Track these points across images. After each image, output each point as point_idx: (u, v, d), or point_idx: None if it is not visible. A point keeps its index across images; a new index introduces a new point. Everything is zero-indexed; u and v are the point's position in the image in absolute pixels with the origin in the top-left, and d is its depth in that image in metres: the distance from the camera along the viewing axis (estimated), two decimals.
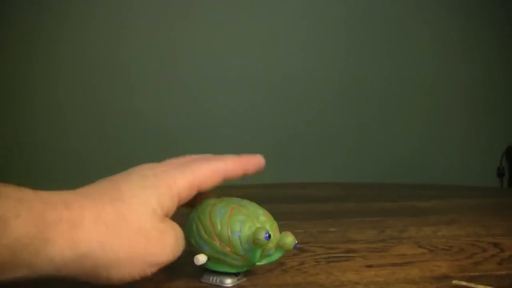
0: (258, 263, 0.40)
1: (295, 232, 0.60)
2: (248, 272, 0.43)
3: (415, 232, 0.59)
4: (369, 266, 0.47)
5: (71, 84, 1.93)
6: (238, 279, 0.42)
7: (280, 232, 0.41)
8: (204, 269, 0.42)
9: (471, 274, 0.45)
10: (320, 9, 2.07)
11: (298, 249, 0.52)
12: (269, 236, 0.37)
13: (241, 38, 2.03)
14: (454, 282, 0.42)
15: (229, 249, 0.40)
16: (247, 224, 0.39)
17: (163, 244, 0.36)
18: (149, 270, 0.36)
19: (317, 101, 2.08)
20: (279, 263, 0.47)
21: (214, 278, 0.42)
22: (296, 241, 0.40)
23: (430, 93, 2.16)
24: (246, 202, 0.43)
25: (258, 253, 0.39)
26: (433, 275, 0.44)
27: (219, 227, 0.40)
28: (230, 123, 2.02)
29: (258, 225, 0.40)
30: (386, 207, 0.75)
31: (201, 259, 0.40)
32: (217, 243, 0.40)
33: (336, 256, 0.50)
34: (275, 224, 0.41)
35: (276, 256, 0.41)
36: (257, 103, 2.04)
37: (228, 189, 0.93)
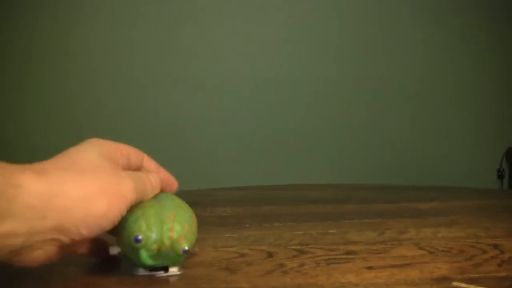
0: (150, 263, 0.41)
1: (295, 233, 0.60)
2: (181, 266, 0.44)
3: (415, 234, 0.59)
4: (369, 268, 0.47)
5: (79, 83, 1.93)
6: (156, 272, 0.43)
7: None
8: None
9: (471, 275, 0.45)
10: (316, 12, 2.07)
11: (298, 251, 0.52)
12: (141, 240, 0.40)
13: (242, 41, 2.03)
14: (454, 284, 0.42)
15: (124, 245, 0.42)
16: (134, 225, 0.41)
17: (121, 180, 0.40)
18: (116, 209, 0.39)
19: (317, 103, 2.08)
20: (279, 265, 0.47)
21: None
22: (186, 248, 0.41)
23: (430, 94, 2.16)
24: (165, 199, 0.45)
25: (143, 254, 0.41)
26: (433, 276, 0.44)
27: (122, 224, 0.42)
28: (231, 125, 2.03)
29: (143, 227, 0.41)
30: (386, 209, 0.75)
31: (112, 250, 0.45)
32: (118, 238, 0.43)
33: (336, 258, 0.50)
34: (178, 227, 0.42)
35: (175, 258, 0.42)
36: (258, 105, 2.04)
37: (227, 190, 0.93)
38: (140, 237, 0.40)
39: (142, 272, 0.43)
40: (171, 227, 0.41)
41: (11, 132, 1.90)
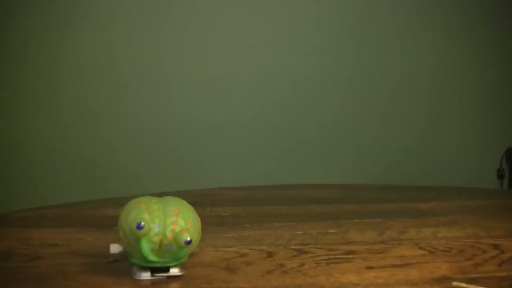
0: (151, 259, 0.41)
1: (295, 233, 0.60)
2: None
3: (415, 234, 0.59)
4: (369, 268, 0.47)
5: (68, 85, 1.93)
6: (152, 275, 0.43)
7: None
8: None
9: (471, 275, 0.45)
10: (321, 11, 2.07)
11: (298, 251, 0.52)
12: (143, 226, 0.40)
13: (241, 40, 2.03)
14: (454, 283, 0.42)
15: (126, 239, 0.42)
16: (137, 216, 0.41)
17: None
18: None
19: (317, 103, 2.08)
20: (279, 265, 0.47)
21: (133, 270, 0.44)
22: (189, 238, 0.40)
23: (430, 94, 2.16)
24: (170, 199, 0.45)
25: (144, 245, 0.40)
26: (433, 276, 0.44)
27: (121, 219, 0.43)
28: (230, 125, 2.02)
29: (146, 218, 0.41)
30: (386, 209, 0.75)
31: (112, 248, 0.44)
32: (120, 235, 0.43)
33: (336, 258, 0.50)
34: (182, 221, 0.42)
35: (177, 254, 0.42)
36: (257, 105, 2.04)
37: (227, 190, 0.93)
38: (142, 223, 0.40)
39: (143, 276, 0.43)
40: (174, 221, 0.41)
41: (4, 133, 1.89)
